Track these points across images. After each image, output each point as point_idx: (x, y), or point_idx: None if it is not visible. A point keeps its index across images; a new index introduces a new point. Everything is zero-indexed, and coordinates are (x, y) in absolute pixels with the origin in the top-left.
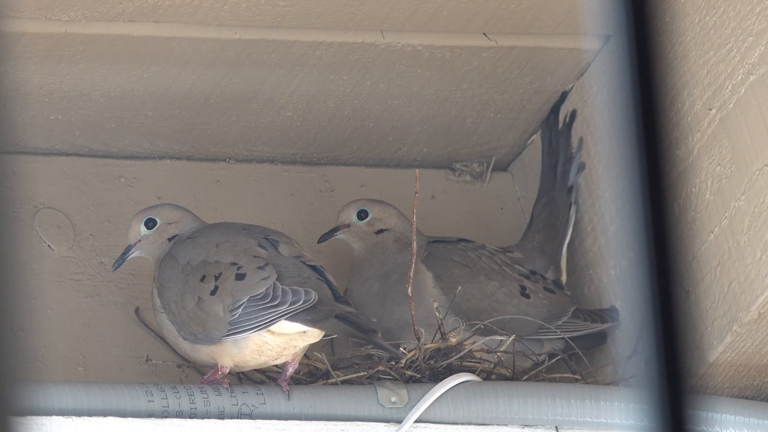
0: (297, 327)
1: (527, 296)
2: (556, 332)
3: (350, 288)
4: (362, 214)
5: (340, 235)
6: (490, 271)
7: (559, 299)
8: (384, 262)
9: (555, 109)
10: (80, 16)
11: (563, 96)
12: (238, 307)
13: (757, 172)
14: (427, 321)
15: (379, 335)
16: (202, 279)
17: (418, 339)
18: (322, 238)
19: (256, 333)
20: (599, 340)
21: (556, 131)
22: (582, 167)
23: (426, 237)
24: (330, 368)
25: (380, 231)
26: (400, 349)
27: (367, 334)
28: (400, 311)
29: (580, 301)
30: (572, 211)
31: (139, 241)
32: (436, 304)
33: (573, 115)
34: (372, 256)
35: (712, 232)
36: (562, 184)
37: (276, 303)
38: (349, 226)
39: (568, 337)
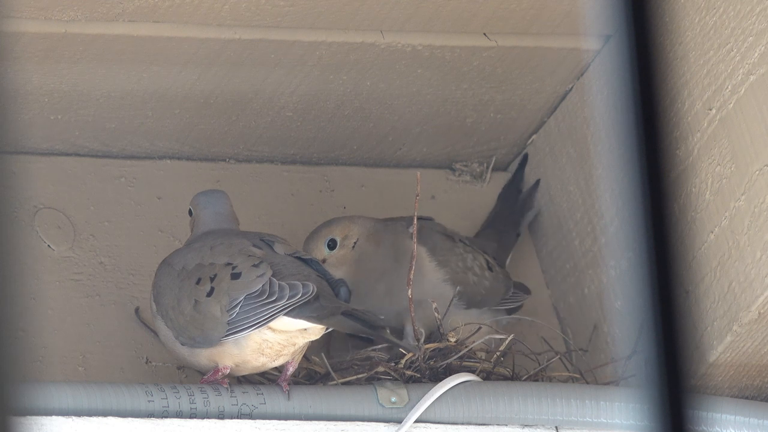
0: (300, 323)
1: (491, 269)
2: (515, 302)
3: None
4: (331, 244)
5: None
6: (461, 243)
7: (505, 273)
8: (374, 268)
9: (522, 166)
10: (80, 16)
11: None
12: (235, 306)
13: (757, 172)
14: (432, 292)
15: (388, 331)
16: (198, 282)
17: (418, 339)
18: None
19: (256, 330)
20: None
21: (518, 191)
22: (536, 214)
23: (383, 220)
24: (330, 370)
25: (354, 244)
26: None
27: (375, 330)
28: (405, 296)
29: (579, 300)
30: (518, 240)
31: None
32: (435, 305)
33: (537, 183)
34: (362, 270)
35: (712, 232)
36: (513, 228)
37: (273, 299)
38: (325, 260)
39: (512, 308)
